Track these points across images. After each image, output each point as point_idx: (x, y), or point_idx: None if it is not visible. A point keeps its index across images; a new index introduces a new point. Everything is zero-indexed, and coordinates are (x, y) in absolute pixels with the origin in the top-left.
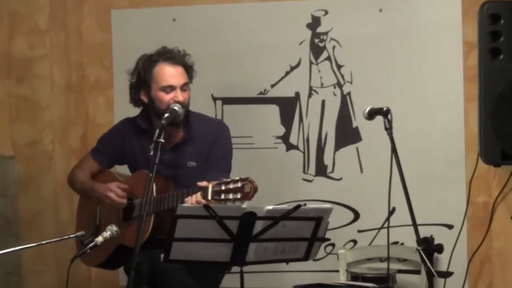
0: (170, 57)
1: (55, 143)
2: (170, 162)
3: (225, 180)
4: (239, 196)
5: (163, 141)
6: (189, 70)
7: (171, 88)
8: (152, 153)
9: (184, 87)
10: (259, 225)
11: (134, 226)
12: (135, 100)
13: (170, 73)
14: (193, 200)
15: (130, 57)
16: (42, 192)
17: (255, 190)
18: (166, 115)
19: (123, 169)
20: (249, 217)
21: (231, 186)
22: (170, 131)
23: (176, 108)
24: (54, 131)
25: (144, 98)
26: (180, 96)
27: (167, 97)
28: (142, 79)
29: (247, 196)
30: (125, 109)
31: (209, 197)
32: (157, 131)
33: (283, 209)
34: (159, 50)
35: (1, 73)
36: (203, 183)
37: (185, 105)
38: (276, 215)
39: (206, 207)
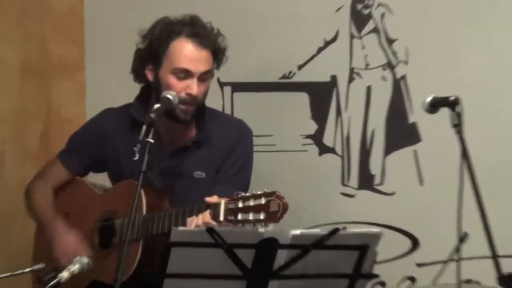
0: (197, 34)
1: (6, 144)
2: (170, 170)
3: (243, 194)
4: (262, 216)
5: (151, 140)
6: (218, 56)
7: (187, 74)
8: (137, 157)
9: (204, 77)
10: (282, 256)
11: (115, 256)
12: (136, 73)
13: (190, 54)
14: (198, 222)
15: (108, 29)
16: None
17: (284, 209)
18: (156, 105)
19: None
20: (269, 246)
21: (251, 203)
22: (175, 129)
23: (169, 97)
24: (4, 129)
25: (149, 75)
26: (195, 88)
27: (179, 84)
28: (153, 50)
29: (273, 217)
30: (102, 99)
31: (221, 217)
32: (144, 127)
33: (315, 234)
34: (186, 18)
35: None
36: (213, 199)
37: (198, 101)
38: (305, 243)
39: (210, 231)
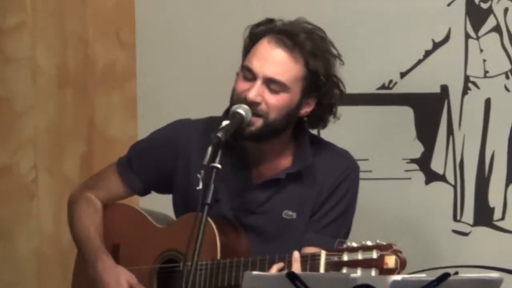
0: (285, 31)
1: (39, 171)
2: (253, 206)
3: (349, 245)
4: (373, 273)
5: (219, 166)
6: (309, 67)
7: (252, 74)
8: (200, 186)
9: (272, 86)
10: None
11: None
12: None
13: (261, 53)
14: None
15: (164, 29)
16: (17, 252)
17: (402, 266)
18: (225, 122)
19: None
20: None
21: (359, 256)
22: (264, 155)
23: (241, 112)
24: (37, 152)
25: None
26: (253, 91)
27: (242, 85)
28: (245, 51)
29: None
30: (157, 114)
31: (321, 272)
32: (210, 149)
33: (420, 280)
34: (289, 21)
35: None
36: (295, 256)
37: (266, 115)
38: None
39: (292, 276)
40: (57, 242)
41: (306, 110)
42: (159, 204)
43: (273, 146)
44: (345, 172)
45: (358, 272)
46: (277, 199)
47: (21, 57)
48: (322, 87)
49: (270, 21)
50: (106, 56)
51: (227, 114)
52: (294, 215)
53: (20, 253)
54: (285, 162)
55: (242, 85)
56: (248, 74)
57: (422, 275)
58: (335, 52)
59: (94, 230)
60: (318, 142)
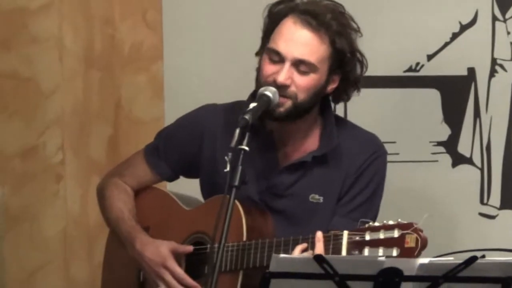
0: (309, 11)
1: (65, 153)
2: (280, 189)
3: (371, 225)
4: (395, 253)
5: (246, 148)
6: (336, 47)
7: (279, 57)
8: (228, 168)
9: (301, 68)
10: None
11: None
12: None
13: (287, 34)
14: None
15: (192, 9)
16: (44, 233)
17: (423, 245)
18: (252, 105)
19: (180, 186)
20: (391, 278)
21: (381, 235)
22: (291, 137)
23: (268, 94)
24: (64, 133)
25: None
26: (282, 74)
27: (269, 68)
28: (265, 31)
29: (409, 255)
30: (184, 95)
31: (344, 252)
32: (237, 131)
33: (447, 263)
34: None
35: None
36: (318, 236)
37: (294, 97)
38: (434, 274)
39: (319, 259)
40: (83, 223)
41: (332, 87)
42: (187, 187)
43: (299, 127)
44: (372, 155)
45: (380, 251)
46: (304, 182)
47: (48, 38)
48: (348, 64)
49: (301, 1)
50: (132, 37)
51: (253, 97)
52: (321, 199)
53: (46, 234)
54: (312, 144)
55: (270, 68)
56: (275, 57)
57: (449, 258)
58: (355, 26)
59: (127, 211)
60: (344, 124)
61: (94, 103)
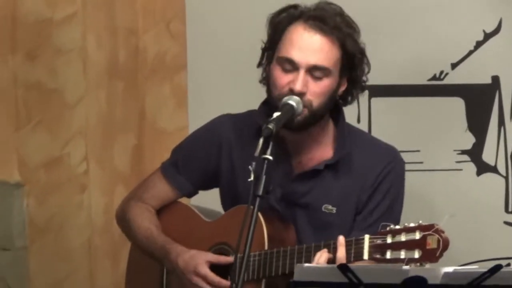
0: (316, 17)
1: (89, 163)
2: (294, 198)
3: (392, 227)
4: (417, 255)
5: (270, 158)
6: (347, 50)
7: (292, 65)
8: (252, 177)
9: (316, 73)
10: None
11: None
12: (263, 73)
13: (299, 41)
14: (325, 261)
15: (215, 19)
16: (69, 244)
17: (445, 246)
18: (276, 114)
19: (202, 200)
20: (415, 286)
21: (402, 238)
22: (305, 146)
23: (292, 103)
24: (88, 143)
25: (266, 73)
26: (298, 82)
27: (282, 78)
28: (269, 41)
29: (431, 256)
30: (208, 105)
31: (365, 256)
32: (261, 140)
33: (472, 272)
34: (313, 4)
35: (3, 45)
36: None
37: (306, 102)
38: (459, 283)
39: (343, 268)
40: (108, 234)
41: (341, 89)
42: (208, 200)
43: (312, 134)
44: (387, 167)
45: (402, 254)
46: (317, 192)
47: (72, 49)
48: (357, 66)
49: (294, 7)
50: (156, 47)
51: (264, 106)
52: (334, 209)
53: (71, 245)
54: (326, 152)
55: (284, 78)
56: (288, 65)
57: (474, 267)
58: (356, 27)
59: (155, 228)
60: (358, 134)
61: (118, 114)
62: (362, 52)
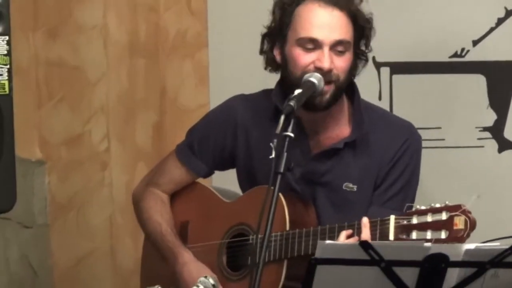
0: None
1: (111, 141)
2: (313, 177)
3: (418, 208)
4: (443, 235)
5: (291, 135)
6: (358, 22)
7: (315, 44)
8: (273, 155)
9: (339, 48)
10: (452, 277)
11: (248, 281)
12: (268, 60)
13: (318, 19)
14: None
15: None
16: (90, 221)
17: (472, 226)
18: (298, 91)
19: (224, 181)
20: (437, 263)
21: (428, 218)
22: (323, 125)
23: (314, 80)
24: (109, 121)
25: (277, 56)
26: (326, 60)
27: (305, 57)
28: (277, 23)
29: (458, 237)
30: (228, 83)
31: (391, 236)
32: (282, 117)
33: (494, 249)
34: None
35: (24, 22)
36: (364, 221)
37: (336, 79)
38: (481, 260)
39: (365, 245)
40: (129, 211)
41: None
42: (226, 181)
43: (329, 112)
44: (405, 144)
45: (428, 235)
46: (337, 170)
47: (93, 26)
48: (367, 38)
49: None
50: (177, 25)
51: (279, 86)
52: (355, 187)
53: (92, 222)
54: (344, 130)
55: (307, 57)
56: (310, 45)
57: (496, 244)
58: (365, 8)
59: (166, 225)
60: (375, 111)
61: (139, 91)
62: (370, 24)
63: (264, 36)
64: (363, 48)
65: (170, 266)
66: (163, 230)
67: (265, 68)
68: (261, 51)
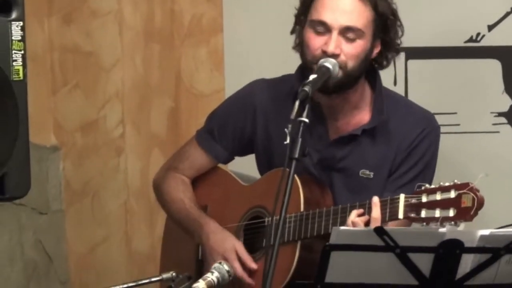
0: None
1: (126, 127)
2: (331, 163)
3: (427, 187)
4: (451, 213)
5: (306, 120)
6: (378, 11)
7: (325, 27)
8: (288, 140)
9: (349, 35)
10: (467, 263)
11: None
12: (295, 40)
13: (332, 3)
14: (362, 222)
15: None
16: (105, 207)
17: (479, 204)
18: (312, 76)
19: (240, 166)
20: (451, 249)
21: (437, 196)
22: (342, 110)
23: (328, 65)
24: (124, 107)
25: (298, 38)
26: (331, 44)
27: (315, 40)
28: (301, 5)
29: (466, 214)
30: (244, 68)
31: (400, 214)
32: (297, 103)
33: (508, 234)
34: None
35: (39, 8)
36: (375, 201)
37: (344, 65)
38: (496, 246)
39: (380, 231)
40: (144, 197)
41: (375, 52)
42: (244, 166)
43: (348, 99)
44: (423, 132)
45: (437, 213)
46: (354, 157)
47: (108, 12)
48: (390, 27)
49: None
50: (192, 10)
51: (300, 70)
52: (371, 174)
53: (107, 209)
54: (363, 117)
55: (317, 41)
56: (320, 28)
57: (511, 229)
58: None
59: (188, 201)
60: (395, 99)
61: (154, 77)
62: (394, 14)
63: (296, 17)
64: (390, 39)
65: (196, 238)
66: (187, 206)
67: (293, 48)
68: (292, 31)
